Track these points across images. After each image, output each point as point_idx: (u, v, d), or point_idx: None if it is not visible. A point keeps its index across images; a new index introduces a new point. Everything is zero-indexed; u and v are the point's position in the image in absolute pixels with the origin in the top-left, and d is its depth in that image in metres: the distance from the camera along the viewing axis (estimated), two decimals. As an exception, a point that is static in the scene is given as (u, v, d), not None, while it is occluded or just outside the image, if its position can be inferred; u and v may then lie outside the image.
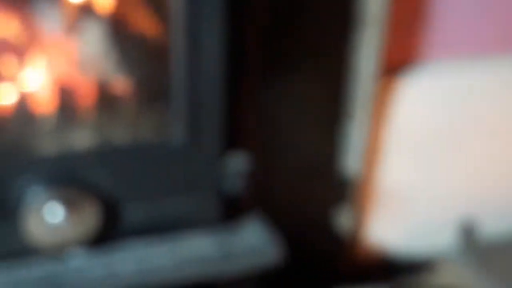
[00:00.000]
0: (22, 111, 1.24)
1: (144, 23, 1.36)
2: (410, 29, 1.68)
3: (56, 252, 1.26)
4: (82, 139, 1.29)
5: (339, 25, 1.51)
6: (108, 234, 1.30)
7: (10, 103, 1.27)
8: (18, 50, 1.31)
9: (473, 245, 1.78)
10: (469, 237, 1.79)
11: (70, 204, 1.23)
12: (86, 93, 1.33)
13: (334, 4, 1.50)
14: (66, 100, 1.27)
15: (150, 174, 1.31)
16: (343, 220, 1.65)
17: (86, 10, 1.32)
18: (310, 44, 1.51)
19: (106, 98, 1.29)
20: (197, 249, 1.33)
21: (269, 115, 1.51)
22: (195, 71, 1.26)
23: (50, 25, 1.31)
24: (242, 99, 1.40)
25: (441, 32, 1.70)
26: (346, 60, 1.53)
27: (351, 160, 1.61)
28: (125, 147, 1.30)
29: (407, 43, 1.70)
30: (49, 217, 1.22)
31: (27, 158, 1.24)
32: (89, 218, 1.25)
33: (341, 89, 1.55)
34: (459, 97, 1.74)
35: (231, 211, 1.39)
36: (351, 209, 1.64)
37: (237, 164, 1.36)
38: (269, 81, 1.48)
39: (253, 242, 1.38)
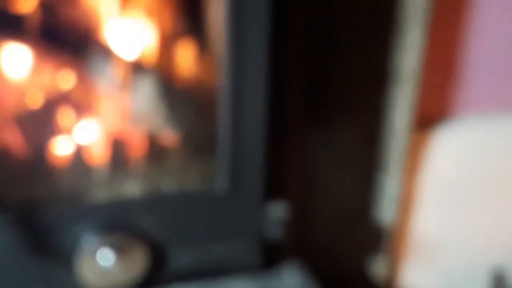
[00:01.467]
0: (78, 161, 1.26)
1: (192, 78, 1.38)
2: (442, 85, 1.68)
3: (106, 295, 1.27)
4: (132, 188, 1.30)
5: (376, 81, 1.52)
6: (155, 278, 1.30)
7: (66, 154, 1.29)
8: (75, 104, 1.34)
9: (504, 293, 1.75)
10: (500, 285, 1.76)
11: (120, 250, 1.23)
12: (136, 145, 1.34)
13: (371, 61, 1.51)
14: (118, 151, 1.28)
15: (195, 221, 1.32)
16: (378, 268, 1.63)
17: (137, 67, 1.35)
18: (348, 98, 1.51)
19: (155, 149, 1.31)
20: (239, 294, 1.33)
21: (309, 164, 1.52)
22: (239, 123, 1.27)
23: (104, 80, 1.33)
24: (284, 149, 1.40)
25: (472, 88, 1.70)
26: (382, 114, 1.53)
27: (386, 210, 1.60)
28: (172, 195, 1.31)
29: (439, 99, 1.70)
30: (101, 261, 1.22)
31: (81, 206, 1.25)
32: (138, 262, 1.25)
33: (377, 141, 1.55)
34: (489, 151, 1.72)
35: (271, 257, 1.39)
36: (386, 257, 1.62)
37: (278, 211, 1.36)
38: (309, 132, 1.49)
39: (292, 287, 1.37)
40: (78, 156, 1.26)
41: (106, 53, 1.33)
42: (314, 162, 1.53)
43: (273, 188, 1.35)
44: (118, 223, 1.25)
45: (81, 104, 1.35)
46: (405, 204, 1.67)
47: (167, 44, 1.40)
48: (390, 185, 1.58)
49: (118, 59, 1.33)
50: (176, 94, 1.35)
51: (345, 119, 1.53)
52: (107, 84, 1.33)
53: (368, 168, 1.58)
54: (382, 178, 1.58)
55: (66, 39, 1.32)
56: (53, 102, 1.33)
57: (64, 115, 1.32)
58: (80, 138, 1.28)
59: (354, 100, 1.52)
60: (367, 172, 1.58)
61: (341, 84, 1.50)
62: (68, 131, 1.33)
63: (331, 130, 1.52)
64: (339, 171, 1.56)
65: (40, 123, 1.30)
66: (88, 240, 1.23)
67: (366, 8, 1.48)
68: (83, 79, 1.34)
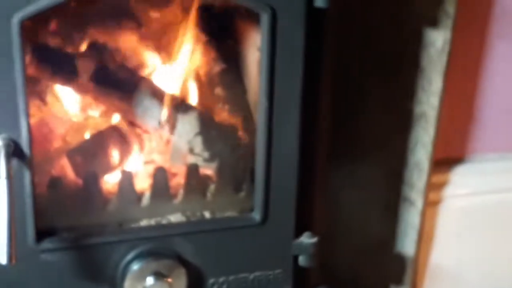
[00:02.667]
0: (124, 192, 1.30)
1: (230, 118, 1.42)
2: (461, 126, 1.71)
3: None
4: (174, 217, 1.33)
5: (399, 121, 1.55)
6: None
7: (114, 185, 1.33)
8: (123, 138, 1.38)
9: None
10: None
11: (163, 276, 1.27)
12: (178, 177, 1.38)
13: (394, 103, 1.54)
14: (162, 183, 1.32)
15: (232, 250, 1.35)
16: (400, 296, 1.65)
17: (180, 106, 1.39)
18: (373, 137, 1.55)
19: (195, 182, 1.34)
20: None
21: (335, 199, 1.55)
22: (273, 160, 1.31)
23: (150, 117, 1.37)
24: (312, 185, 1.43)
25: (488, 129, 1.73)
26: (405, 152, 1.56)
27: (408, 241, 1.62)
28: (211, 225, 1.34)
29: (458, 139, 1.73)
30: (146, 286, 1.26)
31: (127, 234, 1.29)
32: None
33: (399, 177, 1.58)
34: (505, 187, 1.75)
35: (301, 285, 1.41)
36: (407, 286, 1.64)
37: (307, 242, 1.38)
38: (335, 169, 1.52)
39: (320, 313, 1.39)
40: (125, 187, 1.29)
41: (152, 92, 1.37)
42: (340, 196, 1.56)
43: (303, 221, 1.38)
44: (161, 251, 1.29)
45: (128, 139, 1.39)
46: (426, 235, 1.69)
47: (207, 85, 1.45)
48: (412, 218, 1.60)
49: (163, 98, 1.38)
50: (215, 131, 1.39)
51: (369, 157, 1.56)
52: (153, 121, 1.38)
53: (391, 202, 1.61)
54: (404, 211, 1.61)
55: (116, 79, 1.36)
56: (103, 137, 1.38)
57: (113, 149, 1.37)
58: (126, 170, 1.32)
59: (378, 139, 1.55)
60: (390, 206, 1.61)
61: (366, 125, 1.54)
62: (116, 164, 1.38)
63: (356, 167, 1.56)
64: (364, 205, 1.59)
65: (90, 156, 1.34)
66: (133, 266, 1.27)
67: (390, 52, 1.52)
68: (131, 116, 1.39)
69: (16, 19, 1.09)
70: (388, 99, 1.54)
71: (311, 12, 1.24)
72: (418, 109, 1.54)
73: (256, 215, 1.34)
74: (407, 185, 1.59)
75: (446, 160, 1.72)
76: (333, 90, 1.43)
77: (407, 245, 1.63)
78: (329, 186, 1.53)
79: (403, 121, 1.55)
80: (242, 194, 1.37)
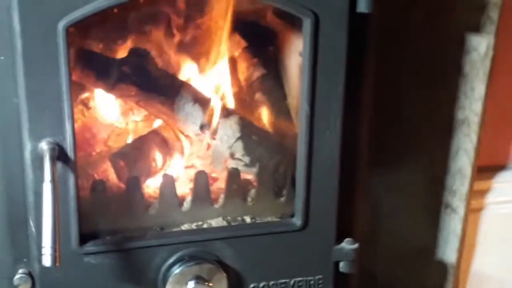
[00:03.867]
0: (166, 197, 1.30)
1: (272, 123, 1.42)
2: (503, 132, 1.68)
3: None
4: (214, 222, 1.33)
5: (440, 127, 1.53)
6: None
7: (156, 190, 1.33)
8: (165, 142, 1.38)
9: None
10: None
11: (204, 280, 1.26)
12: (219, 182, 1.38)
13: (436, 109, 1.52)
14: (203, 188, 1.31)
15: (272, 254, 1.34)
16: (441, 303, 1.62)
17: (222, 110, 1.39)
18: (415, 143, 1.53)
19: (236, 187, 1.34)
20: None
21: (376, 204, 1.53)
22: (314, 165, 1.30)
23: (191, 122, 1.37)
24: (353, 191, 1.41)
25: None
26: (446, 158, 1.54)
27: (449, 247, 1.59)
28: (251, 230, 1.33)
29: (499, 145, 1.70)
30: (186, 289, 1.26)
31: (169, 238, 1.29)
32: (219, 291, 1.28)
33: (441, 183, 1.56)
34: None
35: (341, 291, 1.40)
36: (449, 293, 1.62)
37: (348, 248, 1.37)
38: (376, 175, 1.50)
39: (361, 320, 1.37)
40: (167, 191, 1.29)
41: (193, 98, 1.37)
42: (381, 202, 1.54)
43: (344, 226, 1.37)
44: (202, 255, 1.29)
45: (170, 144, 1.40)
46: (467, 241, 1.66)
47: (248, 90, 1.45)
48: (454, 225, 1.57)
49: (204, 103, 1.37)
50: (256, 136, 1.39)
51: (410, 163, 1.54)
52: (194, 126, 1.38)
53: (432, 209, 1.58)
54: (446, 217, 1.58)
55: (157, 84, 1.37)
56: (145, 141, 1.38)
57: (155, 153, 1.37)
58: (168, 174, 1.32)
59: (420, 145, 1.53)
60: (431, 212, 1.59)
61: (407, 131, 1.52)
62: (158, 168, 1.38)
63: (397, 173, 1.54)
64: (405, 211, 1.57)
65: (132, 160, 1.34)
66: (175, 270, 1.27)
67: (433, 58, 1.50)
68: (172, 121, 1.39)
69: (61, 25, 1.09)
70: (430, 105, 1.52)
71: (354, 17, 1.22)
72: (460, 115, 1.52)
73: (297, 221, 1.33)
74: (449, 191, 1.57)
75: (489, 166, 1.69)
76: (375, 96, 1.42)
77: (449, 252, 1.60)
78: (370, 192, 1.51)
79: (445, 127, 1.53)
80: (283, 199, 1.37)
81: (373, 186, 1.53)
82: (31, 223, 1.19)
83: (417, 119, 1.52)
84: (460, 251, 1.61)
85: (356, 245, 1.36)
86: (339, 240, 1.36)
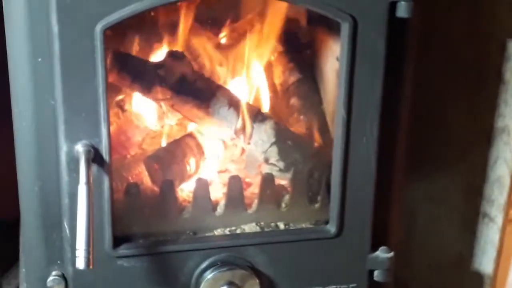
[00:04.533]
0: (199, 201, 1.29)
1: (307, 128, 1.40)
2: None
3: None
4: (248, 227, 1.32)
5: (479, 136, 1.50)
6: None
7: (189, 194, 1.33)
8: (199, 146, 1.38)
9: None
10: None
11: (236, 285, 1.26)
12: (253, 187, 1.37)
13: (475, 117, 1.49)
14: (236, 193, 1.30)
15: (306, 262, 1.32)
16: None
17: (257, 115, 1.38)
18: (452, 152, 1.50)
19: (270, 192, 1.32)
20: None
21: (412, 213, 1.50)
22: (350, 172, 1.28)
23: (226, 125, 1.36)
24: (389, 199, 1.39)
25: None
26: (484, 166, 1.51)
27: (486, 257, 1.56)
28: (285, 236, 1.32)
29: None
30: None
31: (202, 242, 1.28)
32: (252, 298, 1.27)
33: (479, 193, 1.53)
34: None
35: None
36: (486, 304, 1.58)
37: (383, 257, 1.34)
38: (413, 182, 1.48)
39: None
40: (200, 195, 1.29)
41: (228, 102, 1.36)
42: (417, 210, 1.51)
43: (379, 234, 1.35)
44: (235, 260, 1.28)
45: (204, 147, 1.39)
46: (506, 253, 1.63)
47: (283, 95, 1.43)
48: (491, 235, 1.54)
49: (239, 107, 1.37)
50: (291, 141, 1.37)
51: (448, 171, 1.52)
52: (229, 130, 1.37)
53: (469, 218, 1.55)
54: (483, 228, 1.55)
55: (193, 87, 1.36)
56: (180, 145, 1.38)
57: (189, 157, 1.37)
58: (202, 178, 1.31)
59: (458, 153, 1.51)
60: (468, 222, 1.56)
61: (445, 139, 1.49)
62: (192, 172, 1.37)
63: (434, 181, 1.51)
64: (441, 220, 1.54)
65: (166, 163, 1.34)
66: (207, 275, 1.26)
67: (473, 65, 1.47)
68: (207, 124, 1.38)
69: (99, 28, 1.09)
70: (469, 112, 1.49)
71: (393, 22, 1.20)
72: (500, 123, 1.49)
73: (331, 228, 1.31)
74: (487, 200, 1.54)
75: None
76: (414, 102, 1.39)
77: (486, 262, 1.57)
78: (406, 199, 1.49)
79: (484, 135, 1.50)
80: (317, 205, 1.35)
81: (409, 194, 1.50)
82: (65, 225, 1.19)
83: (456, 127, 1.50)
84: (497, 261, 1.57)
85: (391, 254, 1.34)
86: (374, 248, 1.34)
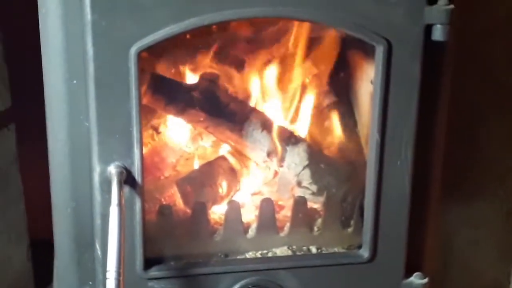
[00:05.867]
0: (231, 223, 1.28)
1: (340, 150, 1.39)
2: None
3: None
4: (279, 251, 1.31)
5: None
6: None
7: (220, 215, 1.32)
8: (232, 168, 1.37)
9: None
10: None
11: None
12: (285, 209, 1.36)
13: (509, 143, 1.47)
14: (268, 215, 1.29)
15: (337, 287, 1.30)
16: None
17: (290, 137, 1.37)
18: (491, 175, 1.47)
19: (302, 215, 1.31)
20: None
21: (449, 237, 1.47)
22: (384, 196, 1.26)
23: (259, 147, 1.36)
24: (424, 223, 1.37)
25: None
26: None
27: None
28: (317, 260, 1.30)
29: None
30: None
31: (232, 265, 1.27)
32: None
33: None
34: None
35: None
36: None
37: (417, 283, 1.32)
38: (450, 206, 1.45)
39: None
40: (232, 218, 1.28)
41: (262, 124, 1.36)
42: (454, 235, 1.48)
43: (414, 260, 1.32)
44: (266, 284, 1.26)
45: (237, 170, 1.38)
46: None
47: (318, 117, 1.42)
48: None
49: (273, 130, 1.36)
50: (324, 165, 1.36)
51: (486, 195, 1.48)
52: (262, 152, 1.36)
53: (508, 244, 1.52)
54: (521, 255, 1.51)
55: (226, 110, 1.36)
56: (212, 167, 1.37)
57: (221, 179, 1.36)
58: (234, 201, 1.31)
59: (497, 176, 1.47)
60: (506, 247, 1.52)
61: (483, 161, 1.46)
62: (224, 194, 1.37)
63: (472, 205, 1.48)
64: (479, 245, 1.51)
65: (199, 185, 1.34)
66: (238, 296, 1.25)
67: (510, 90, 1.44)
68: (240, 147, 1.38)
69: (133, 50, 1.10)
70: (508, 136, 1.46)
71: (429, 45, 1.19)
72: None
73: (365, 252, 1.29)
74: (525, 227, 1.50)
75: None
76: (452, 126, 1.37)
77: (524, 290, 1.53)
78: (442, 223, 1.46)
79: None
80: (350, 229, 1.33)
81: (447, 219, 1.48)
82: (97, 246, 1.19)
83: (495, 151, 1.47)
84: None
85: (425, 280, 1.31)
86: (408, 274, 1.31)
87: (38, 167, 1.33)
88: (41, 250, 1.57)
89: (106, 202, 1.14)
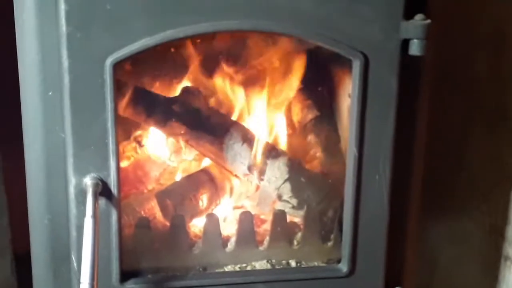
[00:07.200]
0: (209, 236, 1.28)
1: (319, 165, 1.38)
2: None
3: None
4: (259, 264, 1.30)
5: (501, 174, 1.46)
6: None
7: (199, 229, 1.32)
8: (212, 181, 1.37)
9: None
10: None
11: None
12: (264, 223, 1.35)
13: (496, 156, 1.46)
14: (247, 228, 1.29)
15: (316, 301, 1.30)
16: None
17: (270, 151, 1.36)
18: (473, 191, 1.46)
19: (281, 228, 1.30)
20: None
21: (431, 253, 1.46)
22: (362, 210, 1.26)
23: (240, 161, 1.35)
24: (404, 237, 1.36)
25: None
26: (506, 207, 1.47)
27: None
28: (296, 274, 1.29)
29: None
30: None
31: (211, 278, 1.26)
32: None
33: (501, 234, 1.48)
34: None
35: None
36: None
37: (397, 298, 1.31)
38: (432, 222, 1.44)
39: None
40: (211, 231, 1.27)
41: (242, 137, 1.35)
42: (436, 252, 1.47)
43: (394, 275, 1.31)
44: (242, 296, 1.26)
45: (217, 183, 1.38)
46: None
47: (299, 132, 1.42)
48: (512, 278, 1.49)
49: (253, 143, 1.36)
50: (305, 179, 1.36)
51: (468, 211, 1.47)
52: (242, 166, 1.36)
53: (490, 261, 1.50)
54: (506, 272, 1.50)
55: (207, 123, 1.36)
56: (192, 180, 1.37)
57: (201, 192, 1.36)
58: (213, 214, 1.30)
59: (479, 193, 1.47)
60: (490, 265, 1.51)
61: (466, 180, 1.45)
62: (203, 207, 1.36)
63: (454, 221, 1.47)
64: (461, 262, 1.50)
65: (178, 199, 1.33)
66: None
67: (495, 105, 1.44)
68: (220, 160, 1.38)
69: (109, 62, 1.10)
70: (491, 152, 1.45)
71: (406, 60, 1.19)
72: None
73: (344, 266, 1.28)
74: (509, 243, 1.49)
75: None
76: (434, 142, 1.37)
77: (508, 307, 1.51)
78: (424, 239, 1.45)
79: (505, 176, 1.46)
80: (330, 243, 1.32)
81: (427, 234, 1.47)
82: (73, 258, 1.19)
83: (477, 168, 1.46)
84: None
85: (405, 295, 1.31)
86: (388, 289, 1.31)
87: (22, 180, 1.33)
88: (26, 263, 1.57)
89: (82, 214, 1.13)
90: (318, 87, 1.44)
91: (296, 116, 1.45)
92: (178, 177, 1.41)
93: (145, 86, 1.34)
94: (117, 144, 1.15)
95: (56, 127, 1.14)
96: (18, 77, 1.16)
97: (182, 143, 1.40)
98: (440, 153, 1.46)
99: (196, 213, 1.35)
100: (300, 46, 1.38)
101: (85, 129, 1.13)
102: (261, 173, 1.36)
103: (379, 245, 1.28)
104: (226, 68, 1.40)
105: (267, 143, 1.38)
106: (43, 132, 1.15)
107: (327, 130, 1.43)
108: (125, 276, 1.22)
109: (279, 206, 1.35)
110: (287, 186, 1.35)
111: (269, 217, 1.35)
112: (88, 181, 1.14)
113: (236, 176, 1.39)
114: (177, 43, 1.29)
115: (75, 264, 1.19)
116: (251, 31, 1.23)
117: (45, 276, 1.23)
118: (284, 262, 1.31)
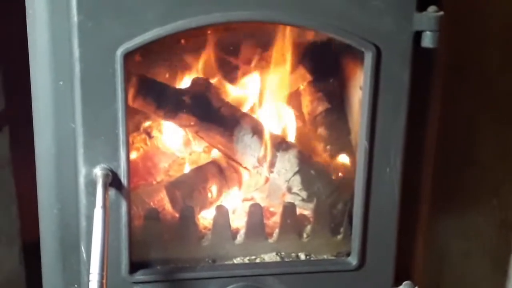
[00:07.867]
0: (219, 228, 1.27)
1: (331, 157, 1.38)
2: None
3: None
4: (268, 257, 1.29)
5: (509, 171, 1.45)
6: None
7: (209, 221, 1.31)
8: (222, 173, 1.37)
9: None
10: None
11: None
12: (274, 216, 1.35)
13: (507, 151, 1.45)
14: (257, 221, 1.28)
15: (324, 293, 1.29)
16: None
17: (280, 144, 1.36)
18: (484, 185, 1.45)
19: (291, 221, 1.30)
20: None
21: (441, 247, 1.46)
22: (373, 203, 1.25)
23: (250, 153, 1.35)
24: (414, 233, 1.35)
25: None
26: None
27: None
28: (305, 266, 1.29)
29: None
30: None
31: (220, 270, 1.26)
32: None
33: (510, 229, 1.47)
34: None
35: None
36: None
37: (407, 292, 1.30)
38: (443, 217, 1.43)
39: None
40: (221, 223, 1.27)
41: (253, 130, 1.35)
42: (446, 246, 1.47)
43: (403, 269, 1.31)
44: (251, 286, 1.25)
45: (227, 175, 1.38)
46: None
47: (310, 124, 1.41)
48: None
49: (264, 135, 1.35)
50: (315, 171, 1.35)
51: (479, 206, 1.47)
52: (252, 158, 1.35)
53: (501, 255, 1.50)
54: (515, 265, 1.49)
55: (218, 115, 1.35)
56: (202, 172, 1.36)
57: (211, 184, 1.35)
58: (223, 206, 1.30)
59: (490, 188, 1.46)
60: (500, 258, 1.50)
61: (477, 175, 1.45)
62: (213, 199, 1.36)
63: (465, 216, 1.46)
64: (471, 256, 1.49)
65: (188, 190, 1.33)
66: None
67: (507, 99, 1.43)
68: (231, 152, 1.37)
69: (119, 52, 1.10)
70: (503, 146, 1.44)
71: (419, 52, 1.18)
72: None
73: (353, 260, 1.28)
74: (519, 237, 1.48)
75: None
76: (446, 136, 1.35)
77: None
78: (434, 234, 1.44)
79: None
80: (340, 236, 1.32)
81: (438, 228, 1.46)
82: (82, 249, 1.18)
83: (488, 162, 1.45)
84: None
85: (415, 290, 1.30)
86: (397, 282, 1.30)
87: (32, 170, 1.33)
88: (34, 253, 1.57)
89: (91, 204, 1.13)
90: (329, 79, 1.44)
91: (306, 108, 1.45)
92: (188, 169, 1.40)
93: (154, 77, 1.33)
94: (127, 135, 1.14)
95: (67, 117, 1.14)
96: (29, 66, 1.16)
97: (191, 134, 1.40)
98: (451, 147, 1.45)
99: (205, 205, 1.35)
100: (311, 37, 1.37)
101: (96, 119, 1.13)
102: (271, 165, 1.35)
103: (389, 239, 1.27)
104: (236, 59, 1.39)
105: (277, 135, 1.37)
106: (53, 122, 1.14)
107: (337, 122, 1.42)
108: (134, 267, 1.21)
109: (288, 198, 1.34)
110: (297, 179, 1.34)
111: (278, 210, 1.34)
112: (98, 171, 1.14)
113: (245, 168, 1.38)
114: (188, 33, 1.28)
115: (84, 255, 1.18)
116: (263, 22, 1.22)
117: (54, 266, 1.23)
118: (293, 254, 1.31)
